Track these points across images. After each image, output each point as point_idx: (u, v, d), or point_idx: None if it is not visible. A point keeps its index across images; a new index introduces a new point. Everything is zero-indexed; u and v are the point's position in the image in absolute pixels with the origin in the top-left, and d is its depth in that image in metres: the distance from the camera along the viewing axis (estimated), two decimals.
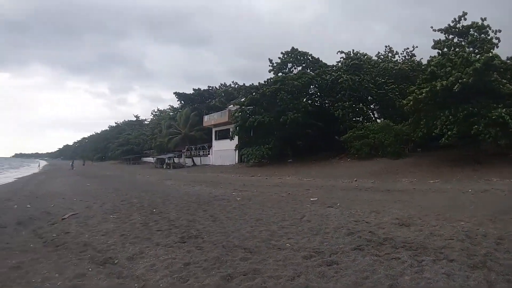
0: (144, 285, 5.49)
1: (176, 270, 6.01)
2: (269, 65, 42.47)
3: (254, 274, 5.66)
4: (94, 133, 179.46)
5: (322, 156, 34.63)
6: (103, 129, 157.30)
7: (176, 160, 57.91)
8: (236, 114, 39.08)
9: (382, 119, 36.36)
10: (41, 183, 29.40)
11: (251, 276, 5.58)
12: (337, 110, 34.02)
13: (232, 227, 9.10)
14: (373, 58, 40.28)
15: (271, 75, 41.58)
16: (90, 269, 6.36)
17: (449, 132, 21.25)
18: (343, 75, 34.82)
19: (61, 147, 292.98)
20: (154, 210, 12.48)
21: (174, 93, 70.73)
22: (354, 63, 36.44)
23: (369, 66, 37.53)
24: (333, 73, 36.64)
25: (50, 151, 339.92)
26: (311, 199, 13.70)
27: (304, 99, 38.77)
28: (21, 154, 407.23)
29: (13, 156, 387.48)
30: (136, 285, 5.52)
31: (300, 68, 42.27)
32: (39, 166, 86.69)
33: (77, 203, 15.13)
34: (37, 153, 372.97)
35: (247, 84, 44.63)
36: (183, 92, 70.00)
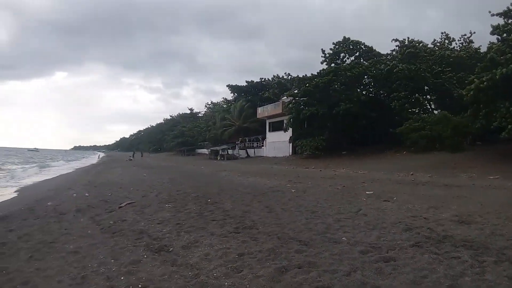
0: (197, 273, 5.46)
1: (230, 260, 5.96)
2: (321, 56, 42.01)
3: (309, 267, 5.49)
4: (149, 126, 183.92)
5: (377, 149, 33.83)
6: (158, 122, 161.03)
7: (230, 151, 58.24)
8: (290, 106, 38.83)
9: (439, 110, 34.75)
10: (99, 173, 30.31)
11: (306, 269, 5.42)
12: (392, 101, 33.01)
13: (287, 219, 8.96)
14: (428, 46, 38.73)
15: (324, 66, 41.07)
16: (145, 256, 6.44)
17: (509, 126, 19.97)
18: (398, 64, 33.77)
19: (118, 139, 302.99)
20: (209, 200, 12.51)
21: (227, 85, 71.31)
22: (410, 51, 35.36)
23: (425, 54, 36.19)
24: (387, 62, 35.70)
25: (107, 144, 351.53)
26: (367, 192, 13.28)
27: (358, 90, 37.95)
28: (80, 146, 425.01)
29: (72, 149, 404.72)
30: (190, 273, 5.50)
31: (353, 58, 41.62)
32: (99, 157, 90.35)
33: (133, 192, 15.48)
34: (95, 146, 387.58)
35: (300, 75, 44.20)
36: (236, 85, 70.32)
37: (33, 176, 31.08)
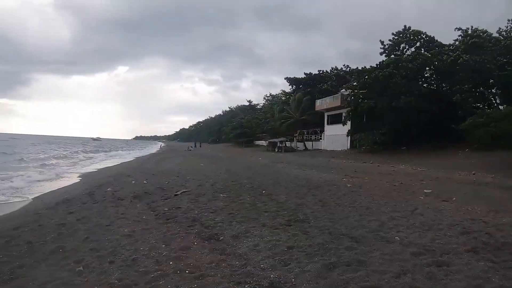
0: (245, 263, 5.46)
1: (278, 253, 5.91)
2: (380, 47, 40.88)
3: (358, 265, 5.32)
4: (208, 117, 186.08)
5: (438, 145, 32.22)
6: (217, 114, 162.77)
7: (287, 144, 58.09)
8: (348, 99, 38.17)
9: (505, 105, 31.63)
10: (158, 162, 31.14)
11: (355, 267, 5.25)
12: (455, 94, 30.96)
13: (341, 214, 8.81)
14: (493, 35, 35.66)
15: (383, 57, 39.92)
16: (195, 243, 6.54)
17: None
18: (462, 55, 31.97)
19: (177, 130, 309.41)
20: (264, 191, 12.55)
21: (286, 78, 70.62)
22: (474, 41, 32.96)
23: (490, 44, 33.48)
24: (450, 53, 34.02)
25: (167, 134, 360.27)
26: (425, 190, 12.78)
27: (419, 82, 36.43)
28: (141, 136, 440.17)
29: (133, 139, 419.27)
30: (237, 263, 5.51)
31: (413, 49, 39.92)
32: (160, 147, 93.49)
33: (190, 181, 15.76)
34: (155, 136, 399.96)
35: (359, 67, 43.21)
36: (294, 77, 69.63)
37: (95, 164, 32.33)
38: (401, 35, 40.00)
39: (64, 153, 48.20)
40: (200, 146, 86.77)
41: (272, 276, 4.97)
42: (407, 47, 40.43)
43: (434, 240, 6.63)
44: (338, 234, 6.97)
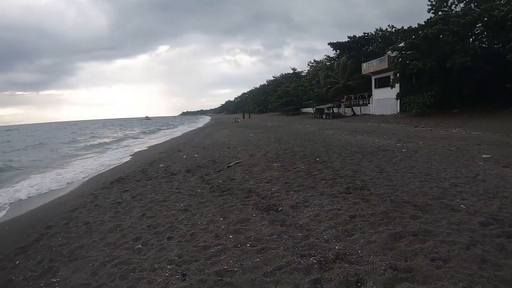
0: (307, 235, 5.29)
1: (341, 223, 5.69)
2: (427, 4, 39.39)
3: (424, 235, 5.03)
4: (253, 88, 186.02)
5: (492, 107, 30.69)
6: (261, 84, 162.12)
7: (335, 110, 57.38)
8: (395, 61, 36.97)
9: None
10: (207, 135, 31.39)
11: (422, 237, 4.96)
12: (509, 52, 28.72)
13: (400, 181, 8.42)
14: None
15: (430, 15, 38.60)
16: (253, 215, 6.42)
17: None
18: None
19: (223, 103, 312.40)
20: (318, 159, 12.30)
21: (329, 43, 68.88)
22: None
23: None
24: (501, 8, 31.45)
25: (213, 108, 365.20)
26: (483, 155, 12.04)
27: (470, 40, 34.53)
28: (187, 112, 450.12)
29: (180, 115, 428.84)
30: (299, 234, 5.35)
31: (462, 4, 38.17)
32: (214, 118, 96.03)
33: (241, 152, 15.74)
34: (201, 110, 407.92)
35: (405, 27, 41.66)
36: (337, 42, 67.88)
37: (147, 141, 33.01)
38: None
39: (115, 134, 49.65)
40: (249, 117, 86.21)
41: (337, 247, 4.77)
42: (456, 2, 38.62)
43: (501, 209, 6.15)
44: (400, 202, 6.66)
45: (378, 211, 6.12)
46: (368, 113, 51.09)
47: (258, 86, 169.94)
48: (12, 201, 10.58)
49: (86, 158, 21.42)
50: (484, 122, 25.71)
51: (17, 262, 5.49)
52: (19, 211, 9.46)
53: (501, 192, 7.18)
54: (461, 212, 5.98)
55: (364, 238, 5.01)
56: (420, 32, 33.38)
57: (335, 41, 67.67)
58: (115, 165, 16.61)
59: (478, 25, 33.35)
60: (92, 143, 35.03)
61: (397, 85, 39.68)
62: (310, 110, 71.93)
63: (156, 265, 4.77)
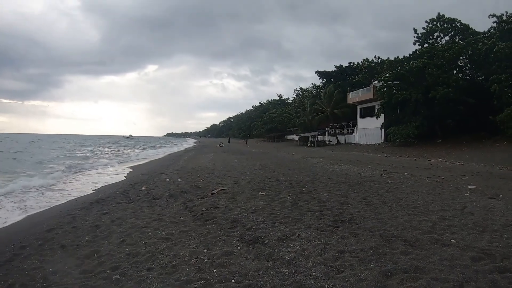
0: (295, 271, 5.05)
1: (329, 258, 5.47)
2: (414, 36, 40.45)
3: (416, 273, 4.85)
4: (239, 113, 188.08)
5: (474, 138, 31.33)
6: (247, 109, 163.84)
7: (320, 138, 57.71)
8: (381, 91, 37.39)
9: None
10: (191, 158, 31.23)
11: (414, 275, 4.78)
12: (491, 84, 29.37)
13: (388, 214, 8.28)
14: None
15: (416, 46, 39.61)
16: (238, 248, 6.18)
17: None
18: (497, 43, 30.78)
19: (208, 126, 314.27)
20: (303, 189, 12.12)
21: (316, 71, 70.58)
22: (510, 27, 32.14)
23: None
24: (485, 41, 32.64)
25: (198, 130, 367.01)
26: (469, 187, 12.14)
27: (454, 72, 35.23)
28: (172, 133, 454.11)
29: (164, 135, 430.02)
30: (287, 270, 5.10)
31: (447, 37, 39.19)
32: (199, 141, 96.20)
33: (225, 178, 15.53)
34: (186, 132, 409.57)
35: (391, 58, 42.39)
36: (324, 70, 69.48)
37: (127, 162, 32.69)
38: (435, 22, 39.11)
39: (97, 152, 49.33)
40: (246, 143, 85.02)
41: (326, 286, 4.55)
42: (441, 36, 39.58)
43: (491, 242, 6.08)
44: (389, 236, 6.48)
45: (367, 246, 5.91)
46: (352, 142, 51.73)
47: (243, 111, 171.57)
48: None
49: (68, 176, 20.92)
50: (467, 152, 26.28)
51: None
52: None
53: (490, 225, 7.16)
54: (452, 247, 5.85)
55: (354, 276, 4.79)
56: (405, 64, 34.03)
57: (322, 70, 69.16)
58: (97, 185, 16.22)
59: (462, 57, 34.06)
60: (71, 160, 34.73)
61: (382, 115, 40.10)
62: (295, 137, 72.54)
63: None
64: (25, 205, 11.74)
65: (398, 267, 5.02)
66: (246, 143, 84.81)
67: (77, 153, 44.87)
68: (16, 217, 10.24)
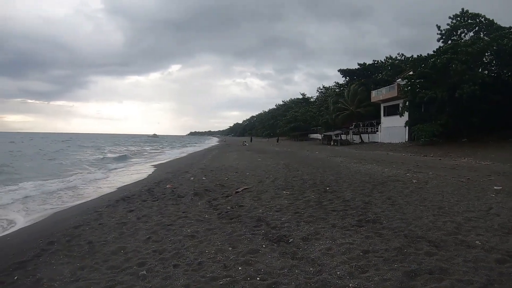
0: (320, 270, 5.07)
1: (354, 258, 5.48)
2: (437, 33, 39.92)
3: (440, 274, 4.83)
4: (262, 112, 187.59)
5: (501, 136, 30.73)
6: (270, 108, 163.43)
7: (343, 137, 57.33)
8: (405, 89, 36.92)
9: None
10: (215, 157, 31.34)
11: (438, 276, 4.76)
12: None
13: (413, 214, 8.21)
14: None
15: (440, 43, 38.91)
16: (263, 246, 6.22)
17: None
18: None
19: (231, 125, 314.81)
20: (328, 188, 12.11)
21: (339, 70, 69.78)
22: None
23: None
24: (511, 36, 31.93)
25: (221, 129, 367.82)
26: (495, 187, 11.82)
27: (479, 69, 34.37)
28: (195, 132, 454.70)
29: (188, 134, 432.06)
30: (311, 269, 5.13)
31: (471, 33, 38.45)
32: (223, 140, 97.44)
33: (249, 177, 15.59)
34: (209, 131, 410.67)
35: (414, 55, 41.73)
36: (347, 68, 68.75)
37: (152, 160, 33.02)
38: (458, 18, 38.48)
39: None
40: (278, 141, 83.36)
41: (350, 285, 4.57)
42: (465, 32, 38.93)
43: None
44: (414, 237, 6.45)
45: (392, 247, 5.90)
46: (376, 140, 51.01)
47: (267, 110, 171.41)
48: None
49: (95, 173, 21.26)
50: (493, 152, 25.61)
51: (16, 277, 5.30)
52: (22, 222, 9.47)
53: None
54: (476, 249, 5.79)
55: (378, 276, 4.80)
56: (429, 61, 33.37)
57: (345, 68, 68.29)
58: (122, 183, 16.44)
59: (487, 54, 33.33)
60: (96, 156, 35.30)
61: (406, 113, 39.57)
62: (318, 136, 72.10)
63: None
64: (51, 203, 12.08)
65: (423, 268, 5.02)
66: (277, 141, 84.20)
67: (106, 153, 45.71)
68: (43, 212, 10.63)
